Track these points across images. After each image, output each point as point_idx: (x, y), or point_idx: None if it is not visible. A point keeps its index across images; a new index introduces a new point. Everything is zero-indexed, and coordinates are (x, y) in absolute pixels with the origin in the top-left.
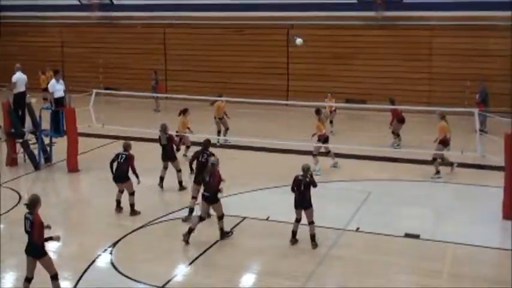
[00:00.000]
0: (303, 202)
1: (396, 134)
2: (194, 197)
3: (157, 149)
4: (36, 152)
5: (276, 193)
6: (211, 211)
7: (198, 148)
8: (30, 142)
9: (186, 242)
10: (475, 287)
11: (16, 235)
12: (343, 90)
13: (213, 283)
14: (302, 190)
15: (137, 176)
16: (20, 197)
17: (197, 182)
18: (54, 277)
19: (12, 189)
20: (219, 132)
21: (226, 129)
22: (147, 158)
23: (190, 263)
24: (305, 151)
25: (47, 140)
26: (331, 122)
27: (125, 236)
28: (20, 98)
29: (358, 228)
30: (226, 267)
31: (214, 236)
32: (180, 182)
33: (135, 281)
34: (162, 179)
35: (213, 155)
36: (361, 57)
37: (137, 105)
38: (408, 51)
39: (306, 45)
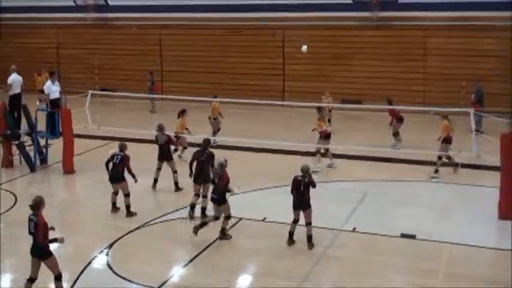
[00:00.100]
0: (302, 203)
1: (396, 134)
2: (196, 194)
3: (153, 150)
4: (32, 153)
5: (273, 194)
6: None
7: (195, 149)
8: (26, 144)
9: (195, 233)
10: (471, 287)
11: (14, 236)
12: (338, 90)
13: (209, 284)
14: (301, 191)
15: (133, 176)
16: (16, 199)
17: (197, 182)
18: (58, 278)
19: (8, 191)
20: (214, 133)
21: (217, 129)
22: (144, 159)
23: (187, 264)
24: (302, 152)
25: (42, 142)
26: (329, 120)
27: (121, 237)
28: (15, 99)
29: (354, 229)
30: (223, 267)
31: (211, 236)
32: (176, 183)
33: (131, 282)
34: (156, 180)
35: (213, 155)
36: (357, 57)
37: (133, 106)
38: (403, 52)
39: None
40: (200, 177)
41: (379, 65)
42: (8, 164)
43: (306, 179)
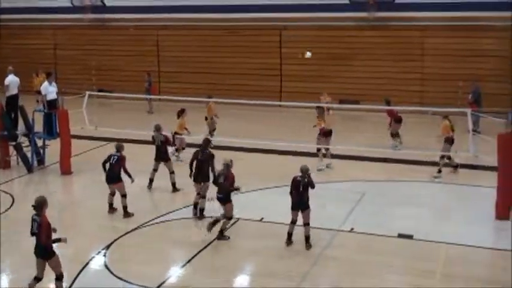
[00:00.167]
0: (300, 203)
1: (395, 135)
2: (198, 193)
3: (151, 151)
4: (29, 154)
5: (271, 194)
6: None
7: (192, 150)
8: (23, 145)
9: (209, 230)
10: (468, 287)
11: (12, 237)
12: (336, 90)
13: (207, 284)
14: (300, 191)
15: (129, 176)
16: (14, 200)
17: (197, 181)
18: (59, 278)
19: (6, 192)
20: (211, 132)
21: (213, 129)
22: (141, 159)
23: (185, 265)
24: (300, 152)
25: (39, 143)
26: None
27: (118, 238)
28: (12, 100)
29: (352, 229)
30: (221, 268)
31: (209, 237)
32: (174, 184)
33: (129, 282)
34: (151, 181)
35: (213, 155)
36: (354, 57)
37: (130, 107)
38: (400, 52)
39: (299, 46)
40: (200, 176)
41: (377, 65)
42: (5, 164)
43: (305, 180)
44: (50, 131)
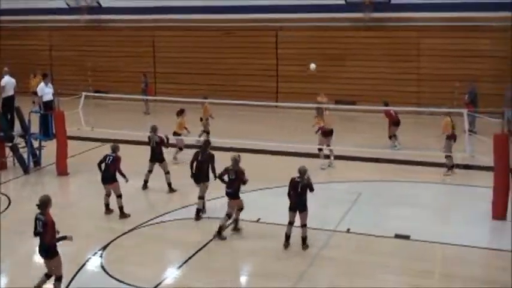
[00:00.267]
0: (299, 204)
1: (393, 136)
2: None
3: (147, 152)
4: (25, 155)
5: (269, 195)
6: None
7: (189, 150)
8: (19, 146)
9: (223, 238)
10: (466, 287)
11: (9, 237)
12: (332, 91)
13: (204, 285)
14: (299, 192)
15: (124, 176)
16: (10, 201)
17: (197, 182)
18: (59, 279)
19: (2, 193)
20: (208, 133)
21: (205, 131)
22: (137, 160)
23: (181, 266)
24: (297, 153)
25: (36, 144)
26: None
27: (115, 239)
28: (8, 101)
29: (348, 229)
30: (217, 269)
31: (205, 238)
32: (169, 184)
33: (125, 283)
34: (146, 182)
35: (213, 156)
36: (350, 58)
37: (127, 107)
38: (396, 52)
39: (295, 47)
40: (199, 177)
41: (373, 66)
42: (2, 166)
43: (305, 181)
44: (46, 132)
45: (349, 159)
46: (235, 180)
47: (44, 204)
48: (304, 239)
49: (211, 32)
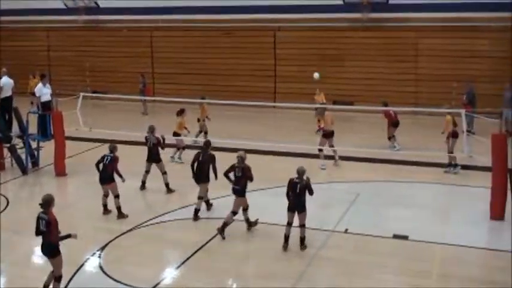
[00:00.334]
0: (298, 205)
1: (392, 137)
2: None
3: (145, 152)
4: (23, 156)
5: (265, 195)
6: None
7: (188, 151)
8: (17, 146)
9: (223, 237)
10: (464, 287)
11: (7, 238)
12: (330, 91)
13: (202, 285)
14: (298, 193)
15: (120, 176)
16: (8, 202)
17: (198, 183)
18: (58, 279)
19: (0, 194)
20: (206, 133)
21: (201, 131)
22: (135, 160)
23: (179, 266)
24: (296, 153)
25: (34, 144)
26: (318, 120)
27: (113, 240)
28: (6, 102)
29: (346, 230)
30: (215, 269)
31: (204, 238)
32: (167, 184)
33: (123, 284)
34: (143, 183)
35: (213, 156)
36: (348, 58)
37: (125, 108)
38: (394, 53)
39: (293, 47)
40: (200, 177)
41: (371, 66)
42: (0, 167)
43: (303, 182)
44: (44, 133)
45: (348, 160)
46: (241, 178)
47: (47, 203)
48: (302, 240)
49: (209, 32)
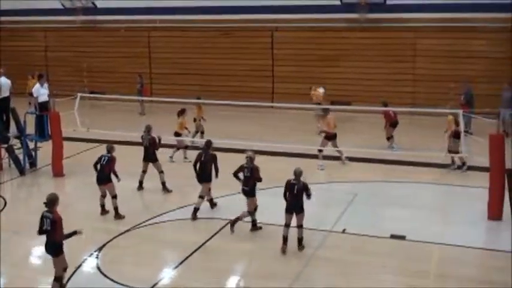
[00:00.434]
0: (295, 206)
1: (391, 137)
2: (206, 195)
3: (142, 152)
4: (21, 157)
5: (263, 196)
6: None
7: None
8: (15, 147)
9: (232, 230)
10: (461, 287)
11: (5, 239)
12: (328, 92)
13: (200, 285)
14: (295, 194)
15: (116, 176)
16: (6, 202)
17: (201, 183)
18: (58, 279)
19: None
20: (202, 133)
21: (197, 131)
22: (133, 161)
23: (177, 266)
24: (294, 153)
25: (31, 145)
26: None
27: (111, 240)
28: (4, 102)
29: (344, 230)
30: (213, 269)
31: (201, 238)
32: (164, 183)
33: (121, 284)
34: (141, 183)
35: (215, 156)
36: (346, 59)
37: (122, 108)
38: (392, 53)
39: (291, 48)
40: (203, 177)
41: (369, 66)
42: None
43: (301, 183)
44: (41, 133)
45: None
46: (250, 178)
47: (52, 202)
48: (300, 240)
49: (206, 33)
